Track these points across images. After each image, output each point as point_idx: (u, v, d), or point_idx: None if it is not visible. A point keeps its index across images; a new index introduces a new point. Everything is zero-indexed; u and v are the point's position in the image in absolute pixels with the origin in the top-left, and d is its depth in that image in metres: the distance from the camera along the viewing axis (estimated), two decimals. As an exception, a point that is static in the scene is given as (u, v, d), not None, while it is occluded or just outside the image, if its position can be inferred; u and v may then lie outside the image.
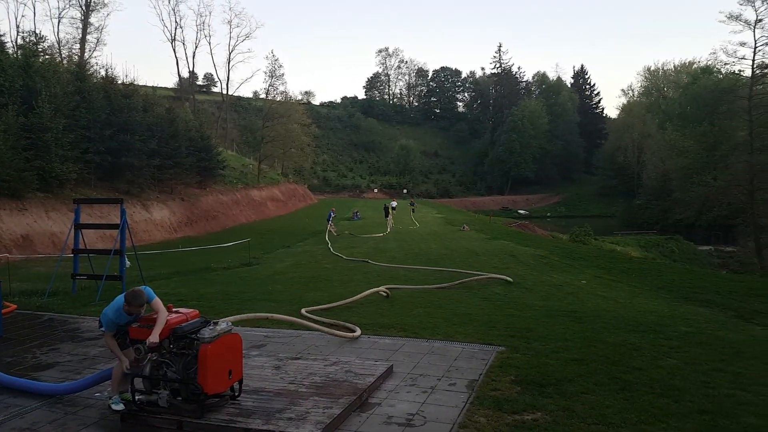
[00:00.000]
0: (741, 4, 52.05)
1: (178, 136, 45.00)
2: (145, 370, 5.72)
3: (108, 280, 13.60)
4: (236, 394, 5.99)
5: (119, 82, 42.48)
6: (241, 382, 6.02)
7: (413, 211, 56.36)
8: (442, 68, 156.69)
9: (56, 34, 63.56)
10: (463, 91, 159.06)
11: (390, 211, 44.57)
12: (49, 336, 9.59)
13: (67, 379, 7.13)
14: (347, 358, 7.77)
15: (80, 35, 63.59)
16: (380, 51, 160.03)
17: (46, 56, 37.83)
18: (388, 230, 38.49)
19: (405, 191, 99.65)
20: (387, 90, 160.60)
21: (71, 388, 6.48)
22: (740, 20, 52.03)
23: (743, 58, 52.91)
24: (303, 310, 10.72)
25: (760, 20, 51.26)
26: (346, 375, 6.92)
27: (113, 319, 5.80)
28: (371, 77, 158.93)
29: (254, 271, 19.40)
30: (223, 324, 5.81)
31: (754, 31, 51.86)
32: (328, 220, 38.14)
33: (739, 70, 59.43)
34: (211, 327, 5.68)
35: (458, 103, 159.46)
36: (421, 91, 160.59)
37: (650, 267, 23.86)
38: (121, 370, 5.88)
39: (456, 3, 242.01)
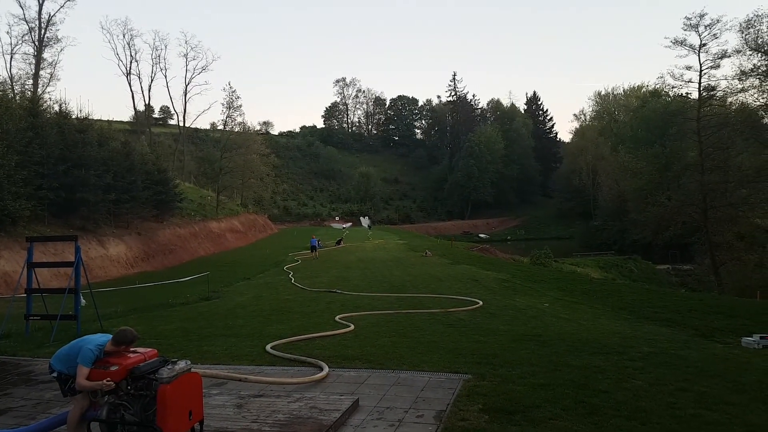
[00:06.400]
0: (685, 30, 53.30)
1: (134, 169, 44.46)
2: (102, 414, 5.49)
3: (62, 320, 13.14)
4: (197, 436, 5.78)
5: (73, 116, 41.88)
6: (201, 422, 5.81)
7: (370, 229, 76.74)
8: (399, 97, 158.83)
9: (8, 70, 62.58)
10: (421, 118, 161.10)
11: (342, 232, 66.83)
12: (0, 380, 9.22)
13: (20, 424, 6.80)
14: (311, 394, 7.62)
15: (33, 71, 62.98)
16: (338, 81, 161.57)
17: (-2, 92, 37.24)
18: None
19: (366, 218, 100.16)
20: (345, 119, 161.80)
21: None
22: (685, 45, 53.12)
23: (690, 81, 54.01)
24: (268, 347, 10.52)
25: (704, 44, 52.47)
26: (310, 411, 6.76)
27: (98, 355, 5.57)
28: (329, 106, 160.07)
29: (214, 306, 19.03)
30: (182, 363, 5.61)
31: (699, 56, 53.05)
32: (314, 248, 41.25)
33: (687, 93, 60.95)
34: (169, 366, 5.47)
35: (416, 130, 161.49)
36: (380, 119, 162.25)
37: (610, 288, 24.07)
38: (77, 414, 5.64)
39: (410, 34, 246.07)
